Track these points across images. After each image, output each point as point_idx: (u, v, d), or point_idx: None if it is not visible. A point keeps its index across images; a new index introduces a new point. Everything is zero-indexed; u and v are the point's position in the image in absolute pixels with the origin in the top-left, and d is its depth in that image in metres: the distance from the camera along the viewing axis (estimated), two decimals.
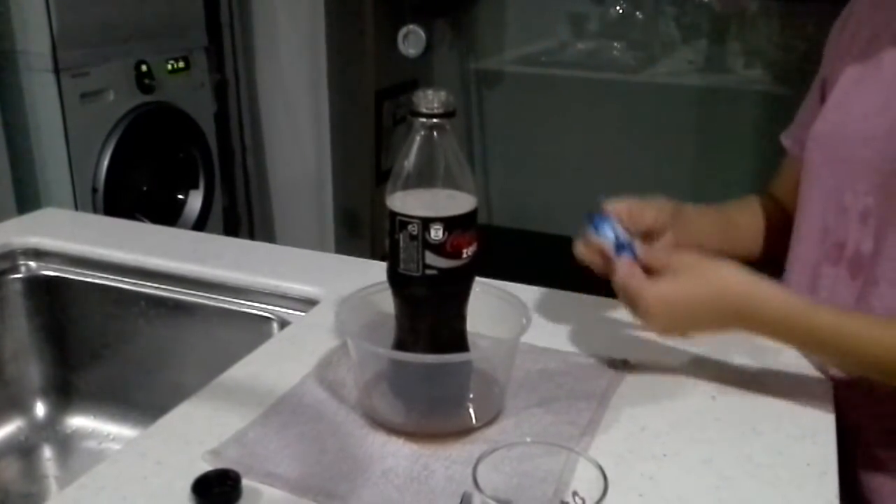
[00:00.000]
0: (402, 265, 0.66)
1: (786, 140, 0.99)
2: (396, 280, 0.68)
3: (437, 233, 0.64)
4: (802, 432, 0.71)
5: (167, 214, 2.54)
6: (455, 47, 3.39)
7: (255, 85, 2.90)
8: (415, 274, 0.65)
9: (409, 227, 0.64)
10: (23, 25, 2.07)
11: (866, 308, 0.80)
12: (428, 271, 0.65)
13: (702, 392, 0.78)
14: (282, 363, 0.81)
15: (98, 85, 2.19)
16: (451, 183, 0.66)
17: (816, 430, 0.72)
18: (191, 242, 1.15)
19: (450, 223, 0.64)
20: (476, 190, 0.67)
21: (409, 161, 0.65)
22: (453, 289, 0.68)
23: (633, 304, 0.74)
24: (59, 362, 1.10)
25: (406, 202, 0.65)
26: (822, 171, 0.86)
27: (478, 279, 0.70)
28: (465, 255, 0.66)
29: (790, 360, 0.84)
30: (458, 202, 0.65)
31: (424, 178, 0.66)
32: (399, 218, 0.65)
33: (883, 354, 0.72)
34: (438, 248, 0.64)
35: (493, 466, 0.51)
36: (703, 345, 0.86)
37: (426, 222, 0.64)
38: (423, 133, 0.65)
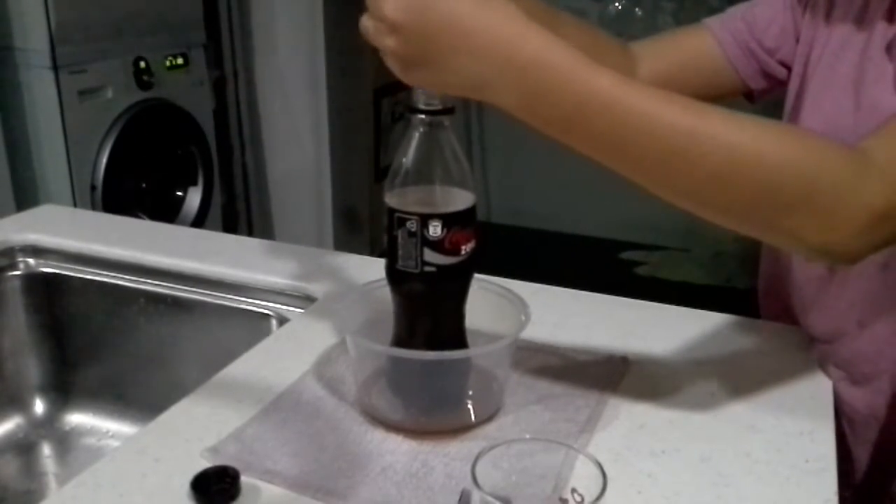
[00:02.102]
0: (400, 262, 0.66)
1: (714, 22, 0.89)
2: (395, 277, 0.68)
3: (435, 230, 0.64)
4: (801, 430, 0.71)
5: (166, 211, 2.54)
6: None
7: (254, 82, 2.90)
8: (413, 271, 0.65)
9: (408, 223, 0.64)
10: (21, 22, 2.07)
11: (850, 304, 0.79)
12: (427, 268, 0.65)
13: (701, 389, 0.78)
14: (280, 360, 0.81)
15: (96, 82, 2.19)
16: (450, 180, 0.66)
17: (815, 427, 0.72)
18: (189, 239, 1.15)
19: (448, 220, 0.64)
20: (475, 187, 0.67)
21: (408, 158, 0.65)
22: (452, 286, 0.68)
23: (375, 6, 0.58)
24: (58, 359, 1.10)
25: (404, 199, 0.65)
26: None
27: (476, 276, 0.70)
28: (463, 252, 0.66)
29: (790, 357, 0.84)
30: (457, 199, 0.65)
31: (423, 174, 0.66)
32: (397, 215, 0.65)
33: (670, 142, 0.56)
34: (437, 245, 0.64)
35: (492, 463, 0.51)
36: (702, 342, 0.86)
37: (425, 219, 0.64)
38: (421, 130, 0.65)
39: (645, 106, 0.57)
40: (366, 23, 0.59)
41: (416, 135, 0.65)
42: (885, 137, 0.61)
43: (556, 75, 0.57)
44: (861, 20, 0.76)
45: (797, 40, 0.86)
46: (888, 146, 0.60)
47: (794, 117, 0.83)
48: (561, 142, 0.59)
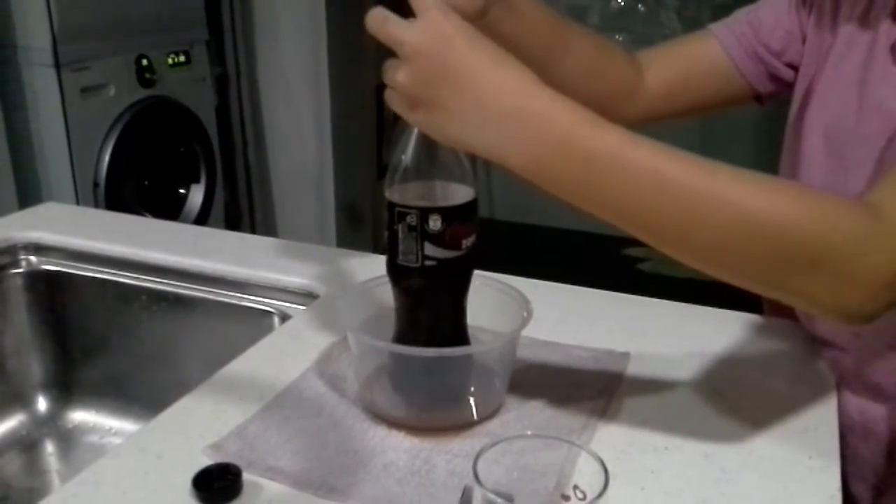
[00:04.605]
0: (400, 256, 0.66)
1: (719, 27, 0.88)
2: (395, 271, 0.67)
3: (435, 223, 0.64)
4: (804, 426, 0.71)
5: (169, 209, 2.54)
6: None
7: (256, 79, 2.90)
8: (414, 265, 0.65)
9: (408, 217, 0.64)
10: (23, 20, 2.07)
11: None
12: (427, 262, 0.65)
13: (703, 385, 0.77)
14: (282, 357, 0.81)
15: (99, 79, 2.19)
16: (450, 174, 0.66)
17: (818, 423, 0.72)
18: (192, 236, 1.15)
19: (448, 214, 0.64)
20: (476, 181, 0.67)
21: (408, 152, 0.65)
22: (452, 280, 0.68)
23: (395, 33, 0.58)
24: (61, 357, 1.10)
25: (404, 193, 0.65)
26: (817, 160, 0.81)
27: (478, 272, 0.70)
28: (464, 246, 0.66)
29: (793, 353, 0.84)
30: (457, 193, 0.65)
31: (423, 169, 0.65)
32: (398, 209, 0.65)
33: (681, 202, 0.56)
34: (437, 239, 0.64)
35: (494, 460, 0.51)
36: (705, 338, 0.86)
37: (424, 213, 0.64)
38: None
39: (653, 164, 0.56)
40: (386, 66, 0.60)
41: (416, 129, 0.65)
42: (893, 191, 0.58)
43: (563, 131, 0.56)
44: (866, 20, 0.76)
45: (803, 41, 0.85)
46: None
47: (800, 118, 0.83)
48: (568, 201, 0.58)
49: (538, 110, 0.57)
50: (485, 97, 0.57)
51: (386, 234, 0.66)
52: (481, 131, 0.57)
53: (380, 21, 0.59)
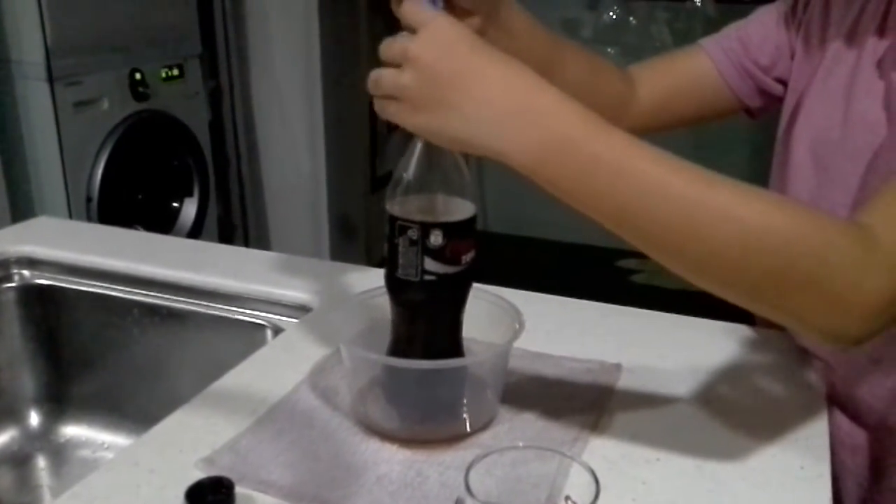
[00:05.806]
0: (400, 270, 0.66)
1: (709, 42, 0.89)
2: (395, 285, 0.68)
3: (436, 239, 0.64)
4: (796, 436, 0.71)
5: (162, 222, 2.54)
6: None
7: (250, 92, 2.91)
8: (413, 279, 0.65)
9: (409, 232, 0.64)
10: (16, 34, 2.08)
11: None
12: (427, 277, 0.65)
13: (695, 396, 0.78)
14: (275, 370, 0.81)
15: (92, 93, 2.19)
16: (452, 189, 0.66)
17: (810, 434, 0.72)
18: (185, 250, 1.15)
19: (449, 229, 0.64)
20: (477, 196, 0.67)
21: (410, 166, 0.65)
22: (451, 295, 0.68)
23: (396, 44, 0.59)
24: (53, 371, 1.10)
25: (406, 207, 0.65)
26: (804, 173, 0.81)
27: None
28: (464, 262, 0.66)
29: (784, 363, 0.84)
30: (458, 208, 0.65)
31: (425, 183, 0.66)
32: (399, 223, 0.65)
33: (681, 216, 0.56)
34: (438, 254, 0.64)
35: (486, 471, 0.51)
36: (697, 349, 0.86)
37: (426, 228, 0.64)
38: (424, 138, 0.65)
39: (656, 171, 0.56)
40: (375, 75, 0.60)
41: (419, 143, 0.65)
42: (886, 213, 0.59)
43: (568, 130, 0.57)
44: (853, 35, 0.77)
45: (792, 57, 0.86)
46: (892, 225, 0.58)
47: (788, 132, 0.83)
48: (567, 202, 0.58)
49: (544, 108, 0.57)
50: (492, 96, 0.57)
51: (385, 246, 0.67)
52: (485, 129, 0.58)
53: (387, 43, 0.60)
